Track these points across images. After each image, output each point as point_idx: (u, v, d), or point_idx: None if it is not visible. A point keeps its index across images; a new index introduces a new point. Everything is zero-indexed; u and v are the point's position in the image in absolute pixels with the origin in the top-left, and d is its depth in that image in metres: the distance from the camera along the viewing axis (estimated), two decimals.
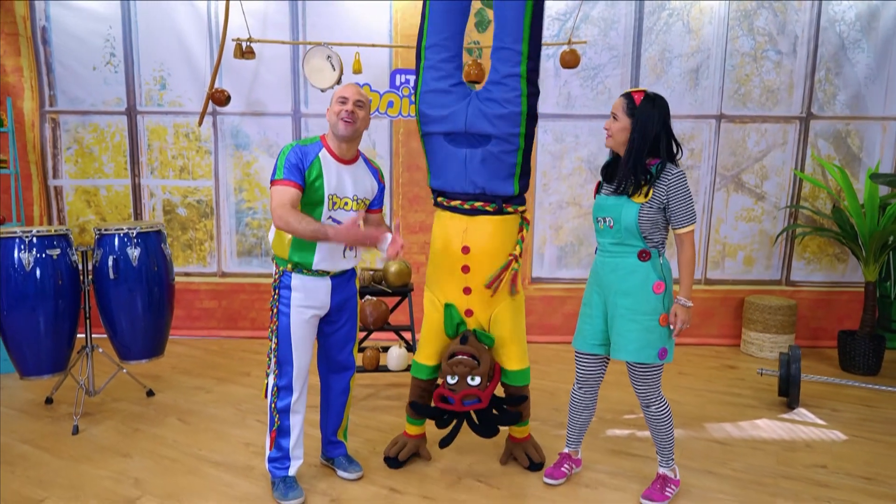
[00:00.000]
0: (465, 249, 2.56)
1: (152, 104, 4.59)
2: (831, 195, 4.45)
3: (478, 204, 2.57)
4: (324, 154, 2.35)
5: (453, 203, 2.61)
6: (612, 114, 2.39)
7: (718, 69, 4.45)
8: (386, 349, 3.60)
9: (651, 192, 2.30)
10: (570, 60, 3.98)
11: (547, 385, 3.81)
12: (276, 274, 2.42)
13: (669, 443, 2.50)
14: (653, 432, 2.52)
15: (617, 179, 2.37)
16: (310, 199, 2.32)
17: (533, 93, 2.56)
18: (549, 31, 4.41)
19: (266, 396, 2.46)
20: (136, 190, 4.70)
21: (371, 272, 3.59)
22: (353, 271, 2.59)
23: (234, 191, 4.68)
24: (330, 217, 2.37)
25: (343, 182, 2.39)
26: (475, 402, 2.52)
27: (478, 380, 2.51)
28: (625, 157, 2.34)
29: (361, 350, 3.66)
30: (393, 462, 2.76)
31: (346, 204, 2.41)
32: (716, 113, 4.50)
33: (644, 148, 2.31)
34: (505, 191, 2.59)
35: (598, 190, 2.53)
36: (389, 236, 2.40)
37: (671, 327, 2.36)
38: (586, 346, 2.51)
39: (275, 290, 2.40)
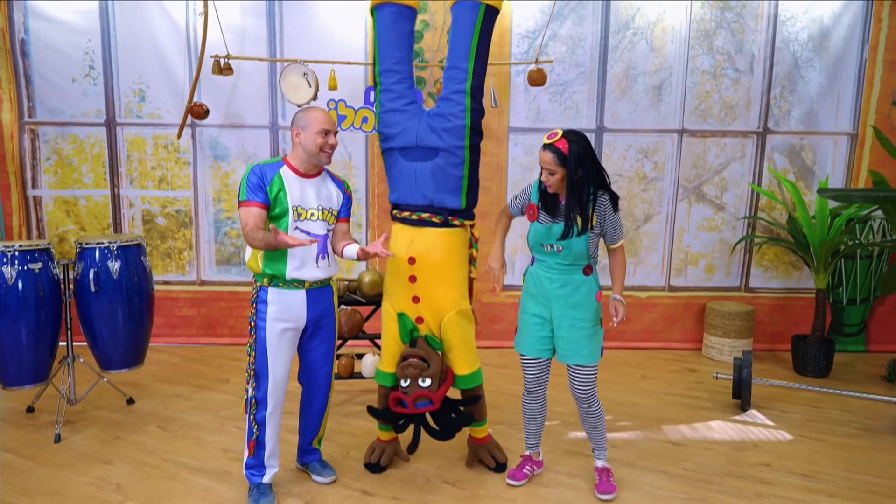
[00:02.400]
0: (412, 260, 2.72)
1: (131, 116, 4.68)
2: (785, 207, 4.68)
3: (424, 215, 2.75)
4: (284, 170, 2.48)
5: (403, 214, 2.79)
6: (546, 170, 2.48)
7: (680, 86, 4.66)
8: (360, 356, 3.74)
9: (594, 218, 2.51)
10: (537, 79, 4.16)
11: (516, 389, 3.98)
12: (254, 289, 2.54)
13: (604, 436, 2.76)
14: (592, 430, 2.73)
15: (564, 223, 2.51)
16: (275, 211, 2.45)
17: (476, 108, 2.78)
18: (518, 49, 4.58)
19: (245, 410, 2.57)
20: (116, 200, 4.78)
21: (346, 282, 3.73)
22: (329, 287, 2.66)
23: (213, 201, 4.78)
24: (297, 228, 2.48)
25: (306, 194, 2.50)
26: (427, 403, 2.65)
27: (428, 381, 2.63)
28: (567, 201, 2.49)
29: (336, 357, 3.79)
30: (375, 468, 2.88)
31: (311, 215, 2.51)
32: (678, 127, 4.71)
33: (584, 188, 2.48)
34: (452, 204, 2.77)
35: (534, 216, 2.62)
36: (356, 246, 2.58)
37: (612, 324, 2.60)
38: (534, 352, 2.68)
39: (253, 304, 2.53)
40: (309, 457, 2.84)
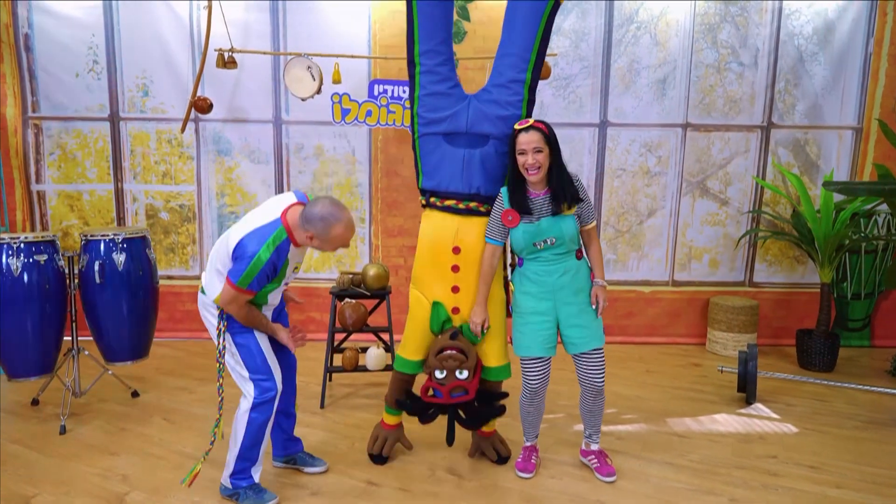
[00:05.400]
0: (457, 249, 2.68)
1: (135, 111, 4.68)
2: (790, 201, 4.67)
3: (472, 204, 2.69)
4: (291, 250, 2.39)
5: (447, 203, 2.71)
6: (536, 149, 2.49)
7: (684, 80, 4.65)
8: (365, 350, 3.73)
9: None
10: (541, 72, 4.14)
11: (517, 383, 3.97)
12: (221, 319, 2.46)
13: (600, 421, 2.82)
14: (595, 417, 2.76)
15: (553, 201, 2.55)
16: (274, 282, 2.42)
17: (532, 101, 2.75)
18: None
19: (222, 437, 2.54)
20: (119, 194, 4.78)
21: (350, 275, 3.73)
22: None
23: (216, 195, 4.78)
24: (284, 282, 2.50)
25: (296, 257, 2.49)
26: (463, 394, 2.64)
27: (466, 373, 2.62)
28: (557, 179, 2.54)
29: (341, 350, 3.80)
30: (378, 459, 2.87)
31: (295, 269, 2.54)
32: (682, 122, 4.70)
33: (563, 165, 2.57)
34: (497, 192, 2.72)
35: (515, 221, 2.58)
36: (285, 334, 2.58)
37: (597, 311, 2.65)
38: (542, 350, 2.65)
39: (222, 320, 2.45)
40: (294, 447, 2.82)
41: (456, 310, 2.74)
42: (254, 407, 2.47)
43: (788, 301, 4.91)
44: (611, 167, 4.75)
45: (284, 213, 2.38)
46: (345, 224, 2.35)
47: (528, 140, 2.48)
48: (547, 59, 4.27)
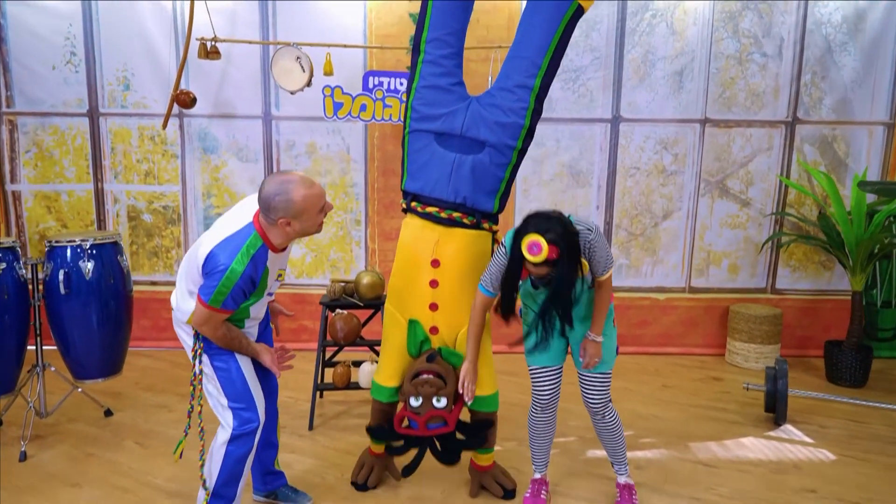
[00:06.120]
0: (436, 262, 2.41)
1: (115, 105, 4.39)
2: (817, 202, 4.35)
3: (456, 214, 2.43)
4: (270, 258, 2.09)
5: (428, 209, 2.45)
6: (540, 278, 2.14)
7: (703, 72, 4.34)
8: (358, 364, 3.43)
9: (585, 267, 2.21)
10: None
11: (526, 401, 3.65)
12: (196, 340, 2.18)
13: (623, 449, 2.50)
14: (611, 443, 2.49)
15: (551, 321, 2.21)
16: (254, 295, 2.13)
17: (538, 111, 2.46)
18: None
19: (202, 476, 2.22)
20: (99, 195, 4.49)
21: (342, 284, 3.43)
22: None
23: (202, 196, 4.49)
24: (267, 293, 2.21)
25: (278, 264, 2.20)
26: (441, 424, 2.37)
27: (444, 401, 2.35)
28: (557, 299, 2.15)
29: (332, 365, 3.50)
30: (362, 488, 2.62)
31: (279, 276, 2.24)
32: (700, 117, 4.39)
33: (574, 272, 2.11)
34: (485, 206, 2.47)
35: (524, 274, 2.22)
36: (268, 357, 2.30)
37: (583, 363, 2.37)
38: (552, 359, 2.40)
39: (198, 339, 2.16)
40: (275, 481, 2.53)
41: (434, 329, 2.46)
42: (232, 439, 2.17)
43: (813, 309, 4.58)
44: (623, 166, 4.44)
45: (257, 215, 2.07)
46: (302, 184, 1.99)
47: (537, 273, 2.10)
48: None
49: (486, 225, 2.49)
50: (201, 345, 2.16)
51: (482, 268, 2.43)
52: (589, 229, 2.14)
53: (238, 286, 1.99)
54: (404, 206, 2.55)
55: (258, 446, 2.40)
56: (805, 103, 4.37)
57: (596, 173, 4.44)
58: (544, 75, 2.42)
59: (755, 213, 4.50)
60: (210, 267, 2.00)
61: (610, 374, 2.40)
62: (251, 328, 2.27)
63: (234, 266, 1.98)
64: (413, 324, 2.46)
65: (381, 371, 2.55)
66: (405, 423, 2.41)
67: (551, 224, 2.03)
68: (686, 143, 4.42)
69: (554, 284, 2.08)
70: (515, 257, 2.10)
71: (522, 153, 2.49)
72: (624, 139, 4.41)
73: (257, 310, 2.23)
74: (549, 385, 2.42)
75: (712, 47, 4.31)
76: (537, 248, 2.00)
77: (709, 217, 4.51)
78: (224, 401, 2.19)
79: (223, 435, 2.18)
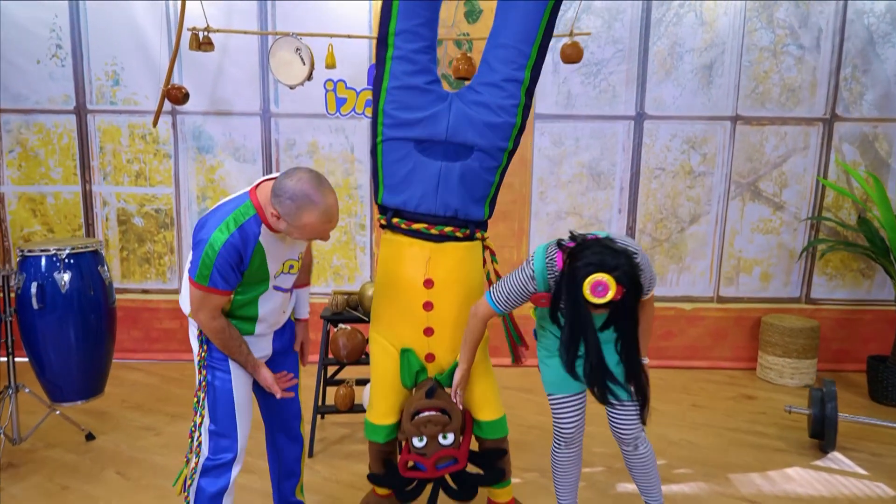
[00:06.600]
0: (429, 283, 2.14)
1: (104, 102, 4.11)
2: (859, 204, 4.03)
3: (448, 229, 2.17)
4: (264, 235, 1.83)
5: (416, 226, 2.17)
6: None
7: (734, 65, 4.02)
8: (363, 383, 3.14)
9: None
10: (571, 54, 3.54)
11: (546, 423, 3.35)
12: (201, 344, 1.94)
13: (658, 485, 2.22)
14: (644, 478, 2.20)
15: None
16: (252, 280, 1.87)
17: (528, 106, 2.20)
18: None
19: (184, 490, 1.95)
20: (87, 198, 4.21)
21: (345, 296, 3.14)
22: (290, 321, 2.18)
23: (197, 198, 4.21)
24: (274, 286, 1.95)
25: (283, 250, 1.93)
26: (451, 463, 2.12)
27: (451, 437, 2.11)
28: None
29: (334, 384, 3.22)
30: None
31: (290, 267, 1.99)
32: (731, 114, 4.07)
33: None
34: (477, 215, 2.22)
35: (548, 303, 1.96)
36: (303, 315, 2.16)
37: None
38: (573, 386, 2.09)
39: (202, 344, 1.91)
40: None
41: (430, 357, 2.19)
42: (204, 470, 1.93)
43: (851, 321, 4.27)
44: (648, 166, 4.13)
45: (256, 187, 1.84)
46: (321, 211, 1.74)
47: (596, 311, 1.79)
48: (578, 39, 3.66)
49: (478, 235, 2.25)
50: (206, 349, 1.92)
51: (478, 282, 2.20)
52: (635, 252, 1.84)
53: (223, 258, 1.74)
54: (383, 222, 2.26)
55: (279, 475, 2.22)
56: (844, 99, 4.05)
57: (618, 174, 4.13)
58: (533, 66, 2.16)
59: (789, 218, 4.18)
60: (196, 237, 1.79)
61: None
62: (263, 337, 2.00)
63: (216, 235, 1.75)
64: (406, 353, 2.19)
65: (375, 408, 2.27)
66: (410, 464, 2.16)
67: (619, 260, 1.72)
68: (715, 142, 4.11)
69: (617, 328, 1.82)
70: (580, 300, 1.74)
71: (513, 154, 2.24)
72: (648, 138, 4.10)
73: (267, 307, 1.95)
74: (573, 415, 2.13)
75: (744, 39, 4.00)
76: (603, 290, 1.70)
77: (739, 222, 4.20)
78: (206, 421, 1.94)
79: (193, 462, 1.95)
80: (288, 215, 1.74)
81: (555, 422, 2.16)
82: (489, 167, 2.18)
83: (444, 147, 2.15)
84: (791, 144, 4.12)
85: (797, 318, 4.11)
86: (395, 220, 2.20)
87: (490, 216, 2.30)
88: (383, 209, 2.25)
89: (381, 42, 2.18)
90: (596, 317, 1.80)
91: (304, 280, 2.16)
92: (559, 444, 2.17)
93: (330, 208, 1.76)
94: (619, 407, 2.08)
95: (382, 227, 2.28)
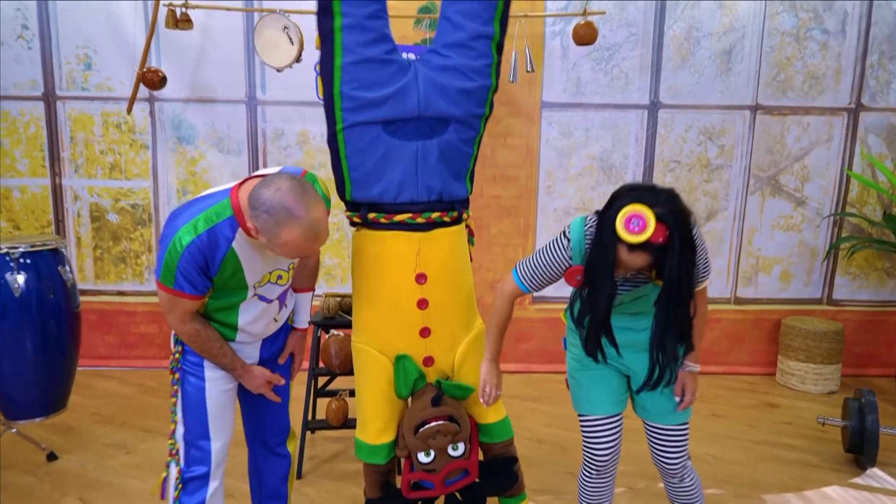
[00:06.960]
0: (421, 277, 1.90)
1: (75, 88, 3.79)
2: (884, 199, 3.79)
3: (435, 215, 1.92)
4: (239, 240, 1.56)
5: (398, 218, 1.90)
6: (632, 269, 1.57)
7: (754, 51, 3.77)
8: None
9: None
10: (585, 35, 3.28)
11: (557, 435, 3.08)
12: (176, 344, 1.73)
13: None
14: None
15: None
16: (226, 287, 1.62)
17: (500, 63, 1.97)
18: (555, 5, 3.68)
19: (162, 497, 1.73)
20: (57, 192, 3.89)
21: (338, 299, 2.84)
22: (286, 324, 1.92)
23: (177, 193, 3.90)
24: (257, 295, 1.71)
25: (266, 259, 1.65)
26: (462, 476, 1.93)
27: (461, 448, 1.90)
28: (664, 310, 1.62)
29: (325, 395, 2.93)
30: None
31: (279, 278, 1.73)
32: (750, 103, 3.82)
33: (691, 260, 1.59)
34: (460, 193, 2.00)
35: (580, 283, 1.69)
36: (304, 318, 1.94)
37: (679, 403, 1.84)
38: (612, 406, 1.83)
39: (176, 345, 1.71)
40: None
41: (429, 360, 1.96)
42: (183, 482, 1.72)
43: (876, 322, 4.03)
44: (662, 158, 3.86)
45: (240, 185, 1.57)
46: (304, 227, 1.47)
47: (632, 263, 1.52)
48: (593, 18, 3.39)
49: (465, 216, 2.03)
50: (180, 350, 1.71)
51: (467, 268, 2.00)
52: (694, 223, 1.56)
53: (186, 260, 1.51)
54: (356, 220, 1.98)
55: (260, 496, 1.98)
56: (871, 88, 3.81)
57: (631, 167, 3.86)
58: (502, 17, 1.93)
59: (811, 214, 3.94)
60: (164, 230, 1.58)
61: (688, 424, 1.83)
62: (246, 347, 1.76)
63: (182, 232, 1.52)
64: (402, 360, 1.94)
65: (367, 427, 1.99)
66: (417, 486, 1.93)
67: (660, 197, 1.46)
68: (734, 132, 3.85)
69: (663, 286, 1.52)
70: (607, 243, 1.48)
71: (488, 119, 2.02)
72: (663, 128, 3.83)
73: (249, 316, 1.70)
74: (608, 441, 1.85)
75: (765, 23, 3.74)
76: (640, 224, 1.41)
77: (758, 218, 3.94)
78: (181, 428, 1.72)
79: (174, 470, 1.73)
80: (266, 231, 1.48)
81: (585, 446, 1.88)
82: (467, 138, 1.96)
83: (417, 124, 1.89)
84: (814, 136, 3.87)
85: (820, 320, 3.86)
86: (371, 215, 1.93)
87: (471, 192, 2.07)
88: (354, 206, 1.97)
89: (324, 11, 1.85)
90: (633, 298, 1.57)
91: (306, 284, 1.91)
92: (589, 473, 1.89)
93: (315, 224, 1.48)
94: (664, 431, 1.81)
95: (354, 224, 2.00)
